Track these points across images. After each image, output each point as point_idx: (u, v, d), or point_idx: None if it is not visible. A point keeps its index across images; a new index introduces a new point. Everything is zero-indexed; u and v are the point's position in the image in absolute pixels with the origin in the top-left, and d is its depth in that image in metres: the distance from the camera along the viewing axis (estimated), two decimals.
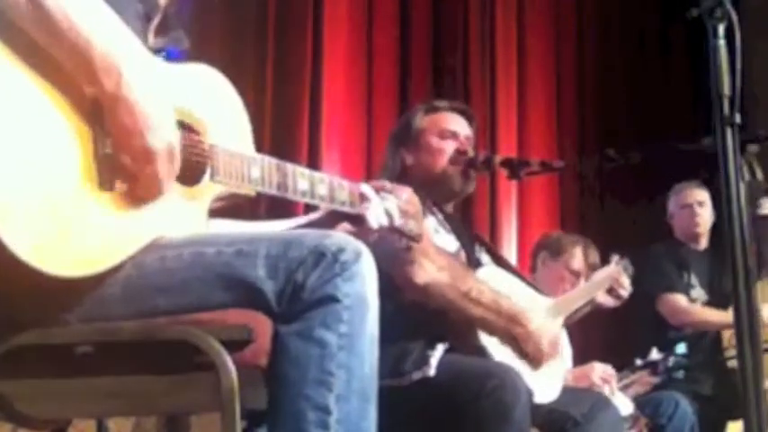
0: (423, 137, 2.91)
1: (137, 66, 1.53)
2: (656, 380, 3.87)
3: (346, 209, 1.87)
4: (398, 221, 1.95)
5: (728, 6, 1.91)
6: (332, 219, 1.91)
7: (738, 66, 1.92)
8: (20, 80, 1.45)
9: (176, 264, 1.59)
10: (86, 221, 1.48)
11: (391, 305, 1.73)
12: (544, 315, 2.88)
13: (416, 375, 2.49)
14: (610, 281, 3.27)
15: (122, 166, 1.52)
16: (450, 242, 2.81)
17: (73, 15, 1.47)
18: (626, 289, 3.30)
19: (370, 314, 1.59)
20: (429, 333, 2.59)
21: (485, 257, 2.95)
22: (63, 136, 1.48)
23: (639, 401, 3.73)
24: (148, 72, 1.56)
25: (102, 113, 1.51)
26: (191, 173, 1.66)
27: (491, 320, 2.65)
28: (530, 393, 2.50)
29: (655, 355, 3.85)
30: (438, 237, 2.77)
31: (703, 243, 4.68)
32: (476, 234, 3.14)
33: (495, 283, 2.74)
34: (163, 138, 1.52)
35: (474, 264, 2.85)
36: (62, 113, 1.49)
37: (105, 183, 1.52)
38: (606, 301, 3.29)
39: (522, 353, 2.72)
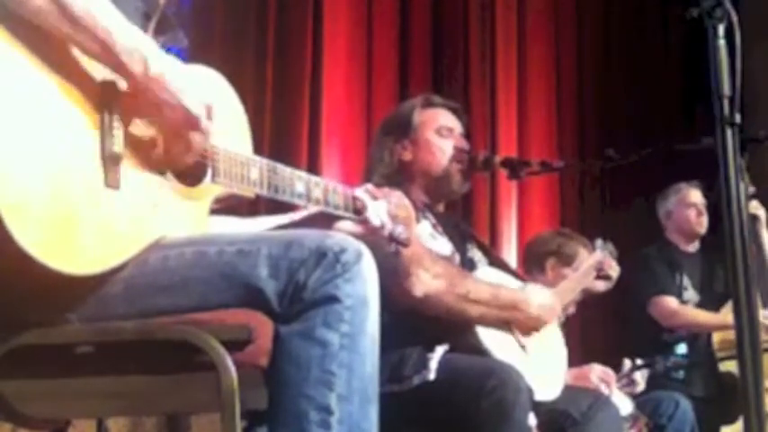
0: (421, 132, 2.90)
1: (154, 47, 1.58)
2: (637, 390, 3.86)
3: (339, 212, 1.88)
4: (389, 226, 1.95)
5: (728, 6, 1.91)
6: (322, 218, 1.91)
7: (738, 66, 1.92)
8: (31, 80, 1.47)
9: (178, 263, 1.60)
10: (93, 220, 1.49)
11: (387, 313, 1.72)
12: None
13: (417, 380, 2.48)
14: (598, 266, 3.29)
15: (171, 138, 1.62)
16: (444, 245, 2.80)
17: (93, 11, 1.51)
18: (614, 269, 3.31)
19: (371, 314, 1.59)
20: (427, 337, 2.58)
21: (477, 254, 2.95)
22: (71, 135, 1.50)
23: (639, 401, 3.72)
24: (162, 53, 1.61)
25: (115, 101, 1.55)
26: (193, 173, 1.67)
27: (492, 316, 2.66)
28: (530, 392, 2.50)
29: (627, 367, 3.85)
30: (434, 242, 2.76)
31: (695, 245, 4.68)
32: (467, 231, 3.13)
33: None
34: (199, 100, 1.61)
35: (467, 264, 2.84)
36: (70, 113, 1.50)
37: (111, 182, 1.52)
38: (596, 285, 3.30)
39: (525, 333, 2.74)
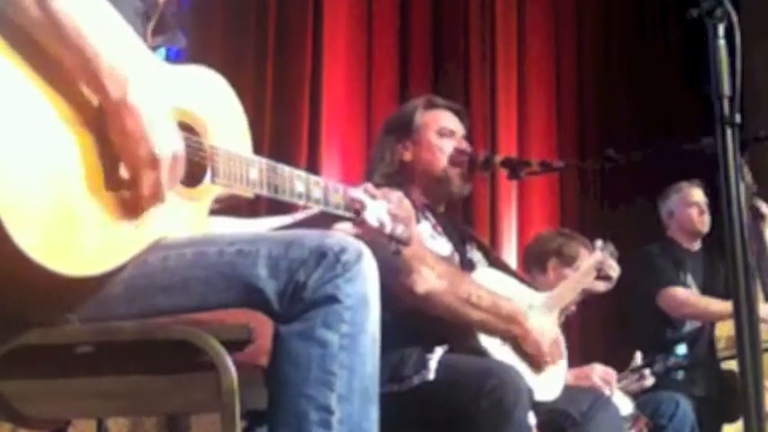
0: (422, 133, 2.90)
1: (143, 74, 1.54)
2: (647, 384, 3.86)
3: (340, 212, 1.88)
4: (389, 226, 1.95)
5: (728, 6, 1.91)
6: (323, 218, 1.91)
7: (738, 66, 1.92)
8: (29, 83, 1.46)
9: (178, 263, 1.59)
10: (92, 222, 1.49)
11: (388, 313, 1.72)
12: (542, 313, 2.88)
13: (416, 380, 2.48)
14: (598, 266, 3.29)
15: (127, 170, 1.53)
16: (444, 245, 2.80)
17: (82, 25, 1.49)
18: (614, 269, 3.31)
19: (371, 314, 1.59)
20: (427, 338, 2.58)
21: (476, 255, 2.95)
22: (71, 137, 1.49)
23: (639, 401, 3.73)
24: (154, 79, 1.58)
25: (104, 120, 1.52)
26: (192, 174, 1.67)
27: (491, 323, 2.66)
28: (530, 392, 2.50)
29: (639, 360, 3.85)
30: (434, 242, 2.76)
31: (698, 244, 4.68)
32: (466, 231, 3.13)
33: (490, 284, 2.74)
34: (168, 144, 1.53)
35: (466, 265, 2.84)
36: (70, 115, 1.50)
37: (111, 183, 1.52)
38: (597, 286, 3.30)
39: (524, 353, 2.73)
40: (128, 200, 1.55)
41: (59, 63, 1.50)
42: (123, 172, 1.55)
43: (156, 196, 1.55)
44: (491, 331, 2.67)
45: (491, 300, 2.66)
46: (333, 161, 4.41)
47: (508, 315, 2.68)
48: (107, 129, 1.53)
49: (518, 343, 2.72)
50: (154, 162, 1.52)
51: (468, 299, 2.61)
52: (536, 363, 2.75)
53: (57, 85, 1.49)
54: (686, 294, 4.48)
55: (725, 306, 4.29)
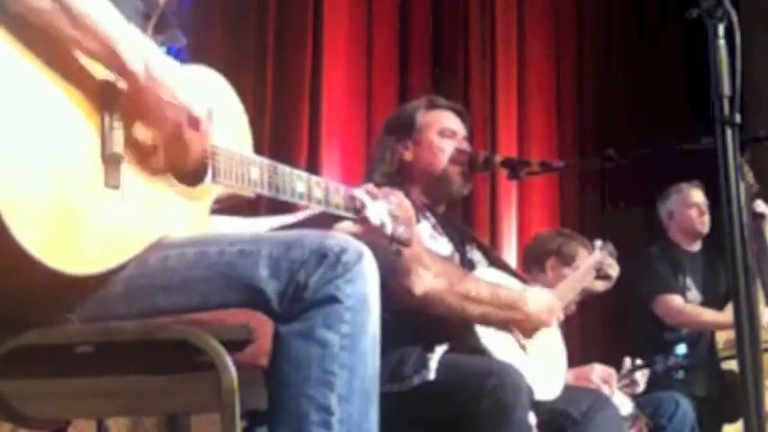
0: (423, 133, 2.89)
1: (155, 48, 1.60)
2: (638, 390, 3.86)
3: (341, 212, 1.88)
4: (390, 227, 1.95)
5: (728, 6, 1.91)
6: (325, 218, 1.91)
7: (738, 66, 1.92)
8: (31, 79, 1.47)
9: (179, 263, 1.60)
10: (93, 220, 1.50)
11: (388, 312, 1.72)
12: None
13: (417, 380, 2.48)
14: (597, 266, 3.30)
15: (169, 139, 1.61)
16: (444, 245, 2.80)
17: (95, 12, 1.52)
18: (614, 268, 3.31)
19: (371, 315, 1.59)
20: (427, 337, 2.58)
21: (476, 255, 2.95)
22: (71, 135, 1.50)
23: (639, 401, 3.73)
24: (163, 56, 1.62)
25: (116, 102, 1.56)
26: (193, 173, 1.67)
27: (492, 315, 2.66)
28: (530, 392, 2.50)
29: (628, 365, 3.85)
30: (434, 242, 2.76)
31: (698, 245, 4.68)
32: (467, 231, 3.13)
33: None
34: (201, 103, 1.62)
35: (467, 265, 2.84)
36: (70, 114, 1.51)
37: (112, 182, 1.53)
38: (596, 285, 3.30)
39: (525, 335, 2.75)
40: (179, 169, 1.64)
41: (66, 56, 1.51)
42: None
43: (207, 152, 1.64)
44: (493, 323, 2.67)
45: (490, 291, 2.67)
46: (333, 161, 4.41)
47: (508, 303, 2.69)
48: (136, 108, 1.57)
49: (519, 328, 2.74)
50: (195, 122, 1.61)
51: (467, 295, 2.61)
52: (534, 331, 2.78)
53: (59, 81, 1.50)
54: (681, 304, 4.48)
55: (718, 316, 4.30)
